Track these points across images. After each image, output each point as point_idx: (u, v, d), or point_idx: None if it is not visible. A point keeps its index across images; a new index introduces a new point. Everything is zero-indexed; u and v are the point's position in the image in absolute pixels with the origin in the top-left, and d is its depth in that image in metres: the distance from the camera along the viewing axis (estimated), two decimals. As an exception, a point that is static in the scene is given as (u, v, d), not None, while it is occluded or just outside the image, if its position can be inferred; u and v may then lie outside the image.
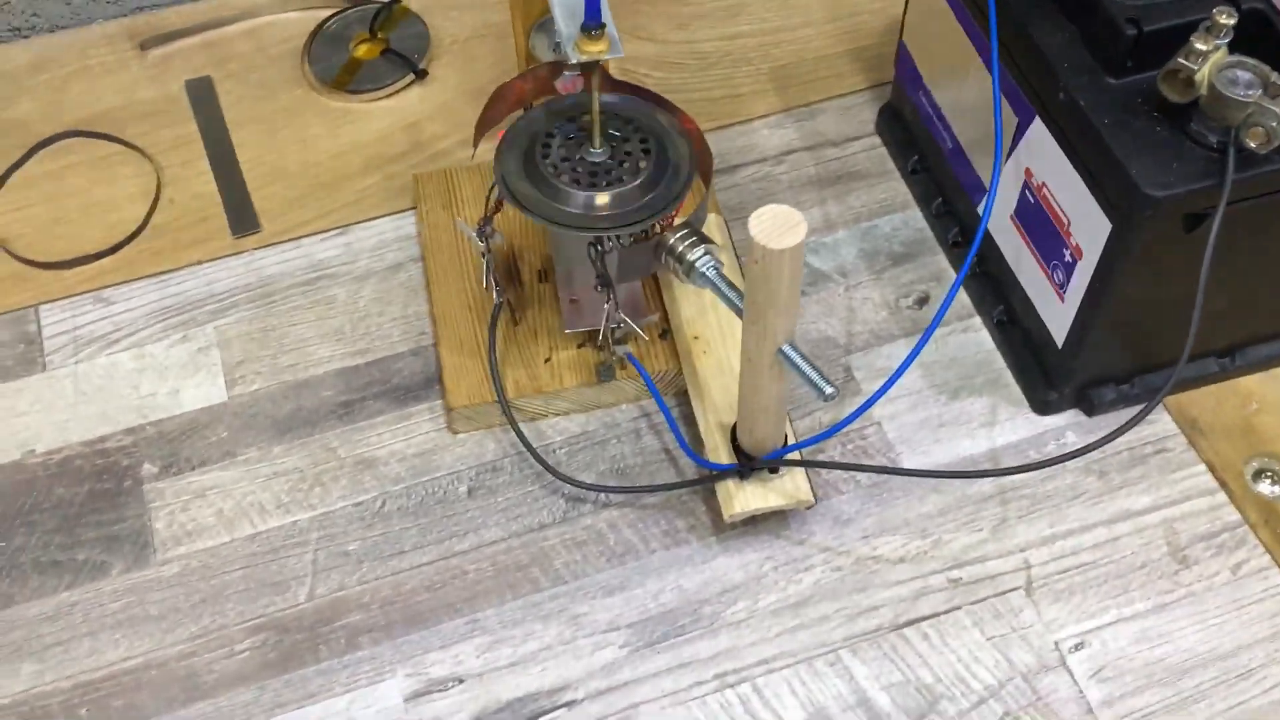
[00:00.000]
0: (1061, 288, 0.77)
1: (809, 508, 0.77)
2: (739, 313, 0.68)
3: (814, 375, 0.66)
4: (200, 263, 0.91)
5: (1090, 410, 0.82)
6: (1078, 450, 0.72)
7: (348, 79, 1.01)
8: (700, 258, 0.70)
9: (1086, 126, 0.69)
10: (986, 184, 0.83)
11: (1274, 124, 0.63)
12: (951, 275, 0.90)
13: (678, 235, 0.70)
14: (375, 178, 0.96)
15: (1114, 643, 0.73)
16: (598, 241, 0.72)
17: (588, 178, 0.72)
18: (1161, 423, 0.82)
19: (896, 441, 0.82)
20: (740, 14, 1.06)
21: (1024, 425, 0.83)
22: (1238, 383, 0.84)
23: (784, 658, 0.73)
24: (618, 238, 0.72)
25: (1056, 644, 0.73)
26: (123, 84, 1.02)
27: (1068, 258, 0.75)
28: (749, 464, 0.74)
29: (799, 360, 0.66)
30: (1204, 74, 0.65)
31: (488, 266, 0.80)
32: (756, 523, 0.78)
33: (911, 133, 0.94)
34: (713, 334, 0.82)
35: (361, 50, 1.03)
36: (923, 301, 0.89)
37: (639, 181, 0.71)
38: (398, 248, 0.92)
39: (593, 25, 0.65)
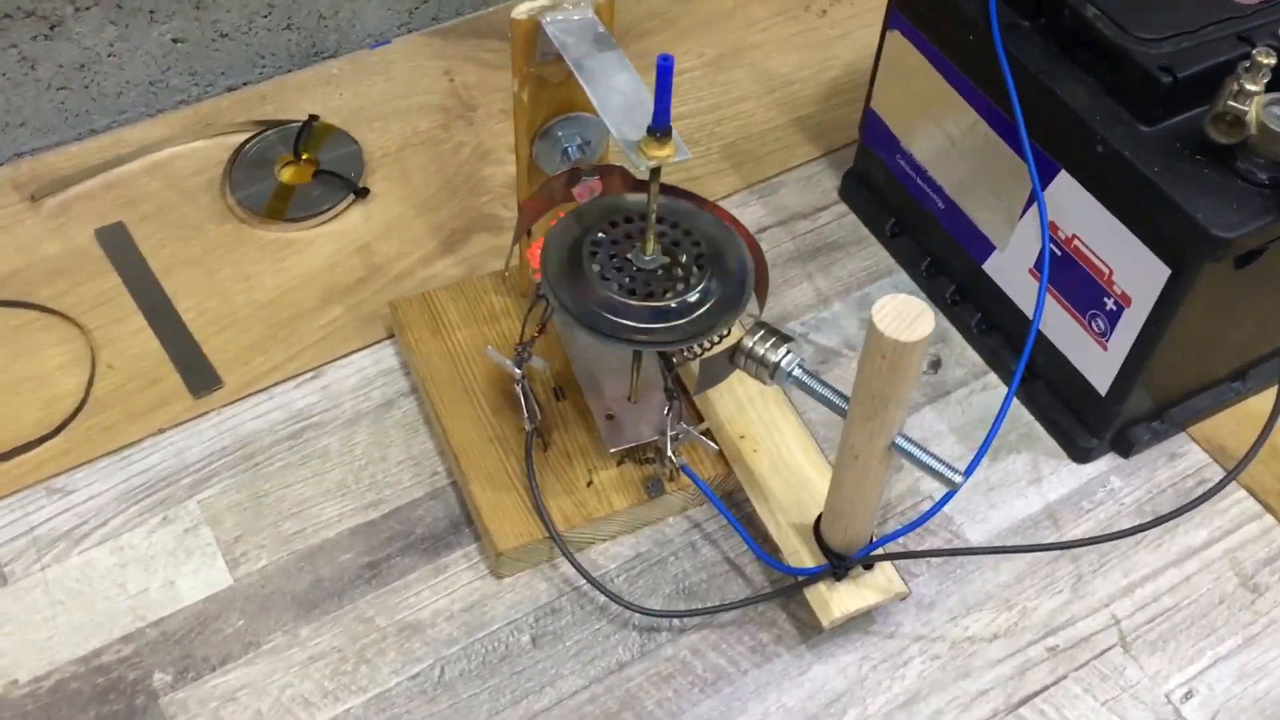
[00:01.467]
0: (1104, 336, 0.76)
1: (904, 598, 0.73)
2: (841, 412, 0.65)
3: (936, 464, 0.63)
4: (162, 431, 0.81)
5: (1127, 452, 0.82)
6: (1156, 521, 0.71)
7: (282, 206, 0.93)
8: (785, 358, 0.66)
9: (1135, 176, 0.69)
10: (992, 238, 0.83)
11: (1331, 156, 0.64)
12: (955, 335, 0.89)
13: (757, 337, 0.66)
14: (338, 310, 0.88)
15: (1219, 684, 0.73)
16: (669, 354, 0.67)
17: (644, 286, 0.67)
18: (1193, 454, 0.83)
19: (955, 514, 0.80)
20: (675, 95, 1.03)
21: (1069, 476, 0.82)
22: (1249, 404, 0.86)
23: (910, 762, 0.70)
24: (697, 348, 0.67)
25: (1168, 697, 0.72)
26: (20, 241, 0.90)
27: (1110, 306, 0.75)
28: (842, 563, 0.70)
29: (918, 452, 0.63)
30: (1254, 113, 0.66)
31: (526, 395, 0.73)
32: (843, 624, 0.74)
33: (884, 196, 0.93)
34: (758, 430, 0.78)
35: (289, 174, 0.95)
36: (936, 365, 0.87)
37: (700, 288, 0.67)
38: (383, 384, 0.84)
39: (661, 129, 0.61)
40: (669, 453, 0.71)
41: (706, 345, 0.67)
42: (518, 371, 0.72)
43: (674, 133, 0.61)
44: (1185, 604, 0.76)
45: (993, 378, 0.87)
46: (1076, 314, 0.78)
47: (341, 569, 0.75)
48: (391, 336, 0.86)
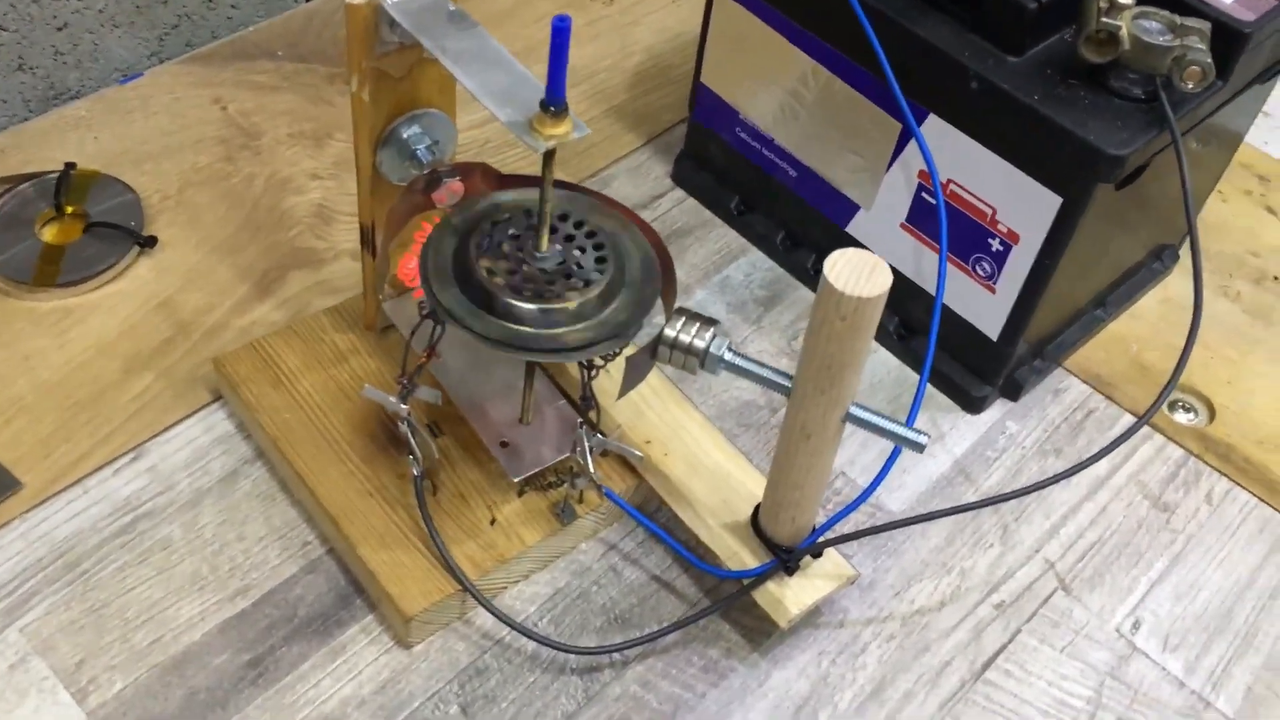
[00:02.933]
0: (990, 279, 0.75)
1: (854, 582, 0.68)
2: (784, 390, 0.59)
3: (900, 429, 0.58)
4: (-43, 553, 0.67)
5: (1016, 395, 0.81)
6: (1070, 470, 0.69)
7: (53, 270, 0.79)
8: (713, 342, 0.60)
9: (1015, 108, 0.67)
10: (856, 199, 0.80)
11: (1207, 60, 0.64)
12: (810, 300, 0.85)
13: (679, 325, 0.60)
14: (148, 378, 0.75)
15: (1160, 609, 0.72)
16: (589, 361, 0.60)
17: (546, 289, 0.59)
18: (1075, 387, 0.83)
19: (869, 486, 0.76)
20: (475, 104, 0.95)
21: (967, 429, 0.80)
22: (1111, 330, 0.86)
23: (896, 754, 0.65)
24: (614, 352, 0.60)
25: (1118, 630, 0.71)
26: None
27: (996, 247, 0.73)
28: (791, 556, 0.65)
29: (878, 419, 0.58)
30: (1125, 29, 0.65)
31: (414, 432, 0.64)
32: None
33: (725, 174, 0.88)
34: (663, 434, 0.71)
35: (53, 232, 0.81)
36: (812, 339, 0.84)
37: (606, 283, 0.60)
38: (221, 453, 0.73)
39: (557, 104, 0.53)
40: (591, 469, 0.64)
41: (622, 346, 0.60)
42: (404, 408, 0.63)
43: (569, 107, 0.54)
44: (1108, 536, 0.75)
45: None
46: (959, 261, 0.76)
47: (218, 674, 0.64)
48: (220, 398, 0.75)
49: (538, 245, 0.60)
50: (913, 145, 0.74)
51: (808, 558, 0.66)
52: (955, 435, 0.79)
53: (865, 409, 0.59)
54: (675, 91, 0.97)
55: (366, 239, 0.70)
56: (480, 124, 0.93)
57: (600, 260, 0.61)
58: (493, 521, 0.68)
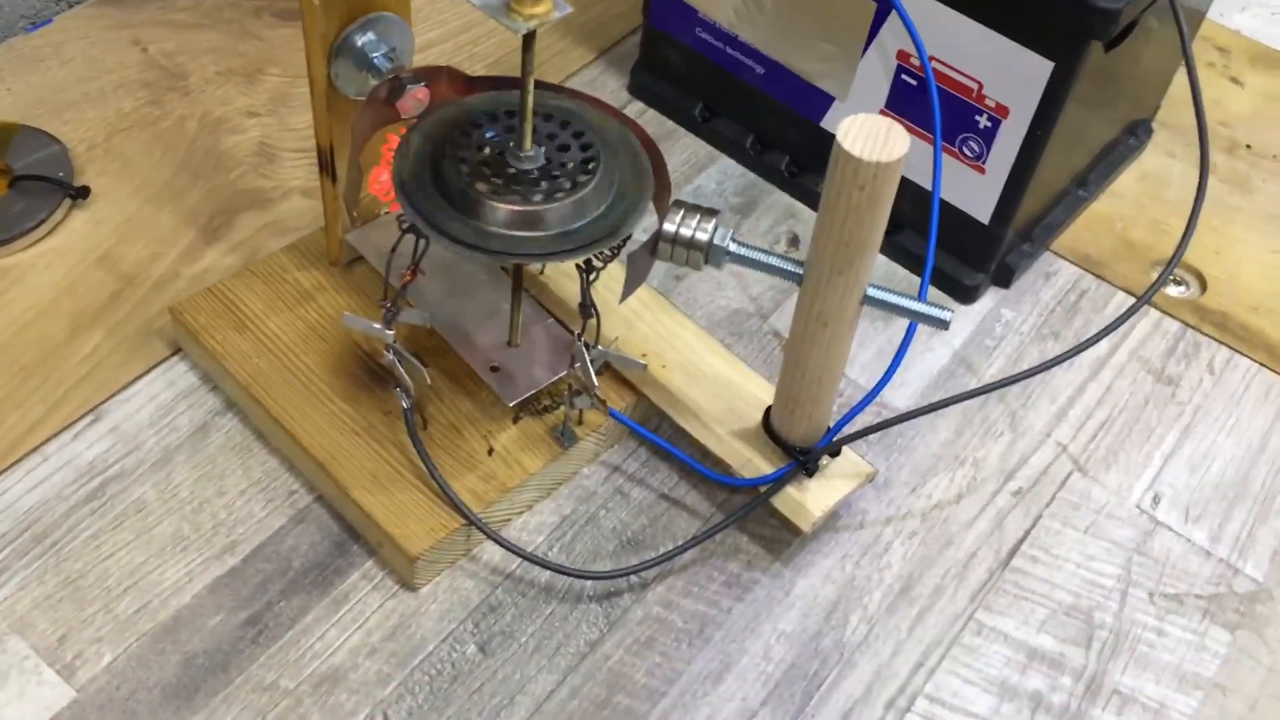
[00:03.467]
0: (979, 159, 0.72)
1: (873, 479, 0.66)
2: (796, 279, 0.56)
3: (922, 307, 0.55)
4: (-90, 536, 0.61)
5: (1008, 281, 0.79)
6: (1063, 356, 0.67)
7: (-20, 230, 0.73)
8: (717, 233, 0.56)
9: (1001, -29, 0.64)
10: (831, 90, 0.76)
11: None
12: (803, 209, 0.82)
13: (679, 218, 0.56)
14: (98, 336, 0.70)
15: (1178, 481, 0.70)
16: (588, 263, 0.56)
17: (531, 190, 0.55)
18: (1065, 269, 0.81)
19: (875, 384, 0.73)
20: (419, 23, 0.90)
21: (963, 320, 0.77)
22: (1094, 209, 0.84)
23: (933, 651, 0.63)
24: (612, 251, 0.56)
25: (1139, 506, 0.69)
26: None
27: (984, 124, 0.70)
28: (809, 457, 0.62)
29: (897, 299, 0.55)
30: (1110, -123, 0.62)
31: (400, 360, 0.60)
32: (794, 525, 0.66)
33: (686, 80, 0.84)
34: (658, 345, 0.68)
35: (-24, 191, 0.75)
36: (794, 242, 0.81)
37: (596, 181, 0.56)
38: (187, 406, 0.68)
39: (535, -22, 0.49)
40: (594, 386, 0.60)
41: (619, 245, 0.57)
42: (389, 334, 0.58)
43: (550, -19, 0.50)
44: (1116, 414, 0.73)
45: (853, 241, 0.81)
46: (947, 144, 0.73)
47: (215, 636, 0.59)
48: (179, 351, 0.70)
49: (521, 144, 0.56)
50: (889, 25, 0.70)
51: (825, 458, 0.63)
52: (952, 327, 0.77)
53: (883, 289, 0.56)
54: (622, 1, 0.93)
55: (325, 163, 0.65)
56: (422, 49, 0.88)
57: (588, 159, 0.57)
58: (490, 451, 0.64)
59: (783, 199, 0.83)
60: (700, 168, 0.84)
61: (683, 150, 0.85)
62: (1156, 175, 0.87)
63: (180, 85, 0.84)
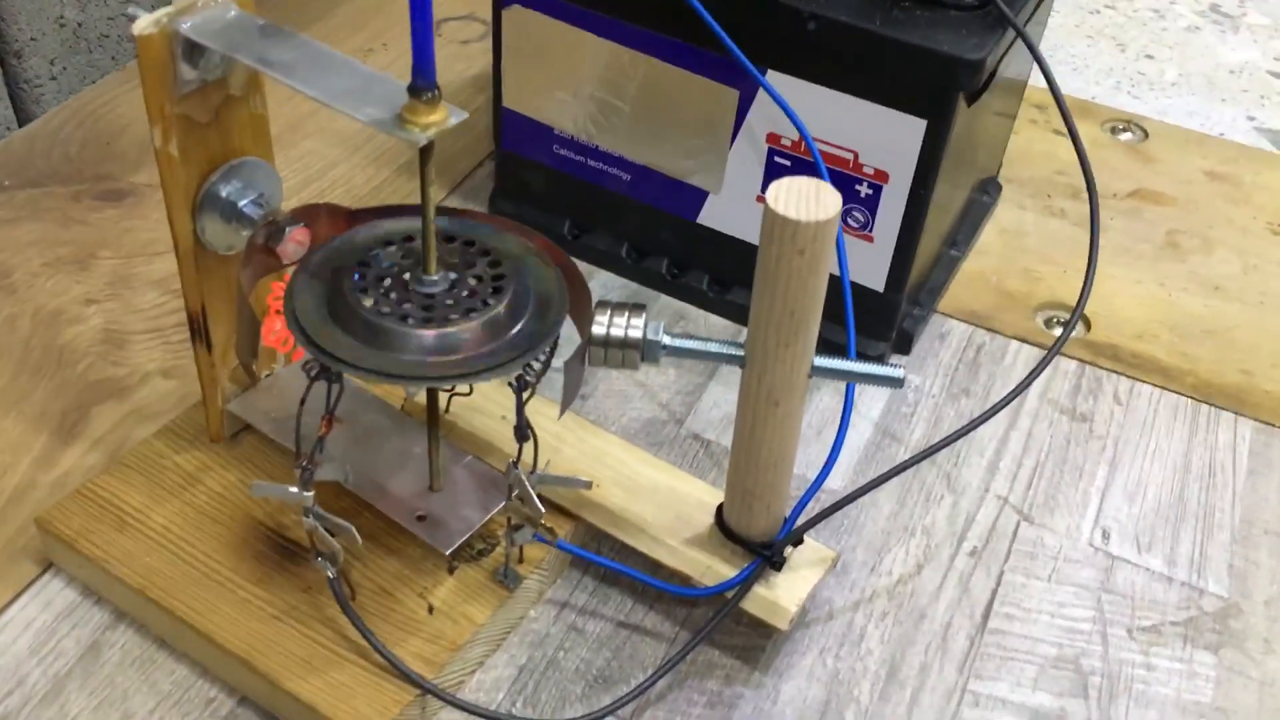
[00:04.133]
0: (866, 228, 0.71)
1: (837, 563, 0.62)
2: (738, 361, 0.53)
3: (874, 369, 0.53)
4: None
5: (908, 347, 0.78)
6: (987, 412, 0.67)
7: None
8: (649, 328, 0.53)
9: (861, 39, 0.64)
10: (704, 185, 0.75)
11: (1033, -48, 0.64)
12: (691, 310, 0.80)
13: (606, 319, 0.53)
14: (-48, 566, 0.61)
15: (1120, 513, 0.70)
16: (520, 379, 0.52)
17: (444, 313, 0.51)
18: (957, 328, 0.81)
19: (803, 470, 0.70)
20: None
21: (874, 391, 0.76)
22: (966, 268, 0.85)
23: (936, 731, 0.59)
24: (544, 361, 0.52)
25: (1091, 545, 0.68)
26: None
27: (865, 192, 0.70)
28: (774, 550, 0.59)
29: (847, 364, 0.53)
30: (949, -64, 0.64)
31: (321, 523, 0.53)
32: (766, 628, 0.62)
33: (548, 200, 0.82)
34: (588, 464, 0.64)
35: None
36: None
37: (509, 296, 0.52)
38: (72, 625, 0.60)
39: (427, 86, 0.46)
40: (540, 513, 0.55)
41: (551, 352, 0.53)
42: (309, 495, 0.53)
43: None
44: (1044, 458, 0.73)
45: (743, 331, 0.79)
46: (828, 218, 0.72)
47: None
48: (51, 566, 0.62)
49: (425, 268, 0.52)
50: (756, 108, 0.70)
51: (789, 548, 0.60)
52: (865, 400, 0.75)
53: (828, 356, 0.53)
54: (466, 133, 0.91)
55: (198, 328, 0.59)
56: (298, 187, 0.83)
57: (498, 277, 0.53)
58: (430, 609, 0.58)
59: (670, 303, 0.81)
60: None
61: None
62: (1014, 228, 0.89)
63: (4, 283, 0.77)
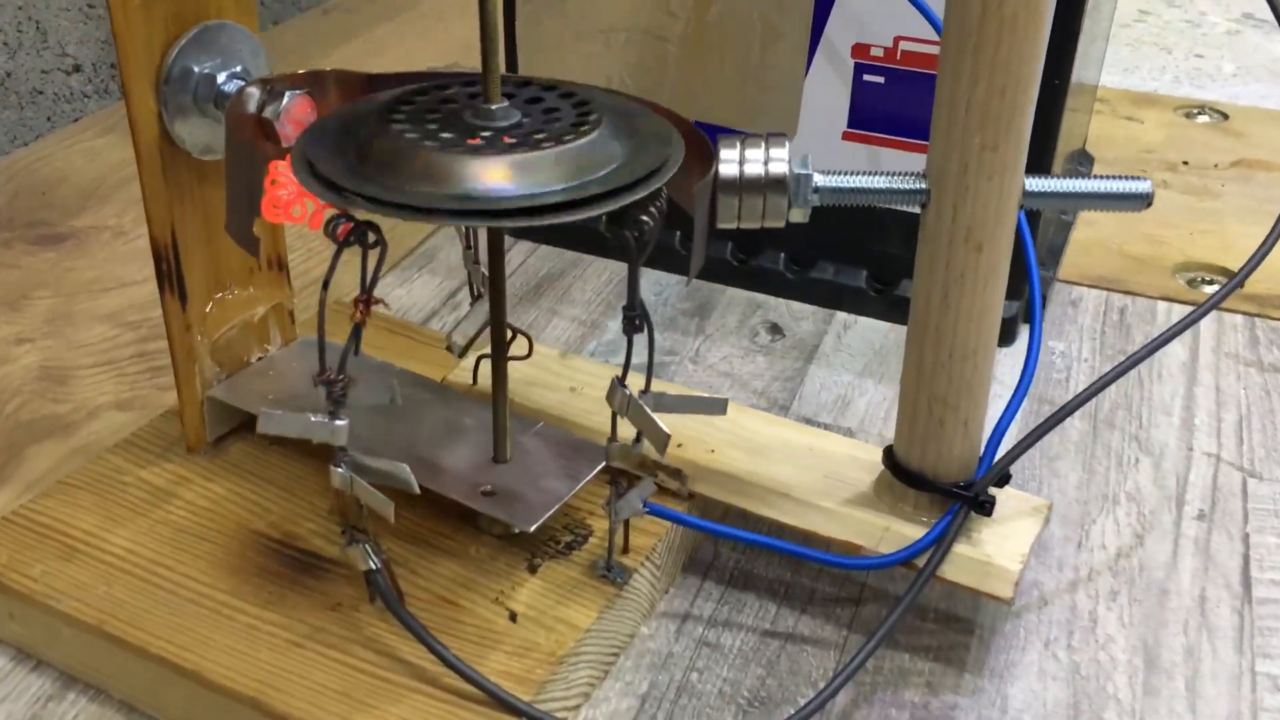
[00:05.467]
0: (986, 147, 0.58)
1: (1050, 511, 0.46)
2: (917, 195, 0.38)
3: (1114, 186, 0.39)
4: None
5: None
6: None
7: None
8: (796, 161, 0.38)
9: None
10: (781, 126, 0.62)
11: None
12: (763, 298, 0.66)
13: (736, 153, 0.38)
14: None
15: None
16: (638, 227, 0.37)
17: (515, 135, 0.37)
18: (1088, 294, 0.67)
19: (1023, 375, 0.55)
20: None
21: (1010, 362, 0.61)
22: (1077, 238, 0.72)
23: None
24: (654, 208, 0.37)
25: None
26: None
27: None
28: (978, 489, 0.42)
29: (1074, 184, 0.39)
30: None
31: (361, 473, 0.37)
32: (960, 621, 0.45)
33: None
34: (694, 431, 0.48)
35: None
36: (775, 330, 0.64)
37: (596, 129, 0.38)
38: (4, 701, 0.42)
39: None
40: (666, 433, 0.39)
41: (661, 202, 0.38)
42: (341, 428, 0.36)
43: None
44: (1247, 411, 0.58)
45: (840, 317, 0.65)
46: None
47: None
48: (-31, 625, 0.44)
49: (487, 95, 0.37)
50: (838, 10, 0.58)
51: (992, 489, 0.43)
52: (1001, 372, 0.60)
53: (1043, 177, 0.39)
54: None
55: (167, 269, 0.44)
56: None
57: (583, 111, 0.39)
58: (513, 616, 0.41)
59: (738, 294, 0.66)
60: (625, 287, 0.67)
61: (599, 272, 0.68)
62: (1119, 197, 0.76)
63: (-82, 330, 0.61)
